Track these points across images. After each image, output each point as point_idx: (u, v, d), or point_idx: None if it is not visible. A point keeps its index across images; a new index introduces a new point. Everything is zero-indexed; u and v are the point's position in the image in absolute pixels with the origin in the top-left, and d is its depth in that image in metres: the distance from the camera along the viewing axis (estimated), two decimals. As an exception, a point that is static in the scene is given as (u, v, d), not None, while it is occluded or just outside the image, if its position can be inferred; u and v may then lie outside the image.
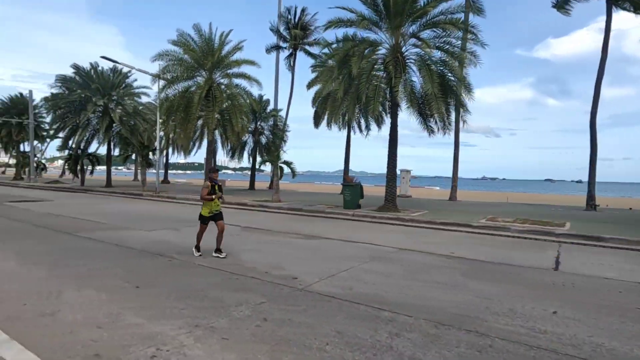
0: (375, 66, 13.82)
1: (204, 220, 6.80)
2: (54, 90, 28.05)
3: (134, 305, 4.20)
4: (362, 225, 11.76)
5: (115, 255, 6.79)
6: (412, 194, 24.65)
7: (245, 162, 30.89)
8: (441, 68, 13.86)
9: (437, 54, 14.00)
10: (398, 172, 17.01)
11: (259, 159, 27.20)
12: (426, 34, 13.81)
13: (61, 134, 28.62)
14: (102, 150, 30.54)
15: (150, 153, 26.80)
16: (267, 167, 27.42)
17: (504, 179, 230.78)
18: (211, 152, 21.79)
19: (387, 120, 18.85)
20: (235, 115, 20.55)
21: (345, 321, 3.90)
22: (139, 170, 40.33)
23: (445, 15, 13.47)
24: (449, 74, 14.29)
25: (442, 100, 13.08)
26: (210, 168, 7.28)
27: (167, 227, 10.30)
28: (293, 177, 19.58)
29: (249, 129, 25.46)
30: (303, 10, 29.67)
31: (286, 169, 18.45)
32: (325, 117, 25.74)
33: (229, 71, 20.61)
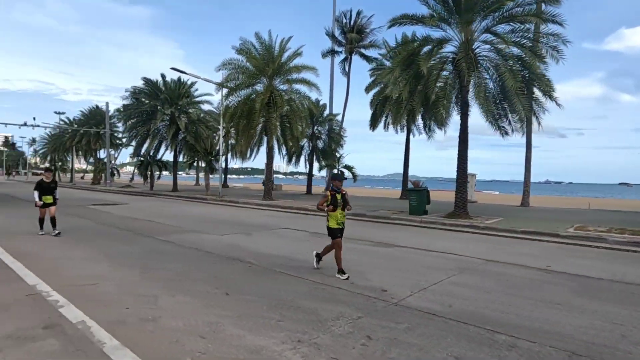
0: (445, 65, 13.14)
1: (335, 234, 5.94)
2: (126, 102, 30.35)
3: (230, 314, 4.10)
4: (433, 233, 11.13)
5: (196, 259, 6.90)
6: (477, 199, 23.31)
7: (302, 166, 31.15)
8: (519, 63, 12.83)
9: (513, 49, 13.00)
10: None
11: (315, 164, 27.25)
12: (500, 28, 12.89)
13: (133, 142, 30.82)
14: (167, 156, 32.49)
15: (212, 159, 27.98)
16: (323, 172, 27.42)
17: (570, 182, 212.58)
18: (271, 157, 22.10)
19: (449, 122, 17.93)
20: (295, 121, 20.70)
21: (459, 344, 3.49)
22: (200, 175, 42.35)
23: (521, 7, 12.49)
24: (526, 71, 13.21)
25: (524, 98, 12.04)
26: (334, 175, 6.49)
27: (237, 231, 10.44)
28: (354, 182, 19.27)
29: (307, 133, 25.56)
30: (358, 13, 29.34)
31: (346, 173, 18.17)
32: (383, 119, 25.18)
33: (288, 77, 20.82)
